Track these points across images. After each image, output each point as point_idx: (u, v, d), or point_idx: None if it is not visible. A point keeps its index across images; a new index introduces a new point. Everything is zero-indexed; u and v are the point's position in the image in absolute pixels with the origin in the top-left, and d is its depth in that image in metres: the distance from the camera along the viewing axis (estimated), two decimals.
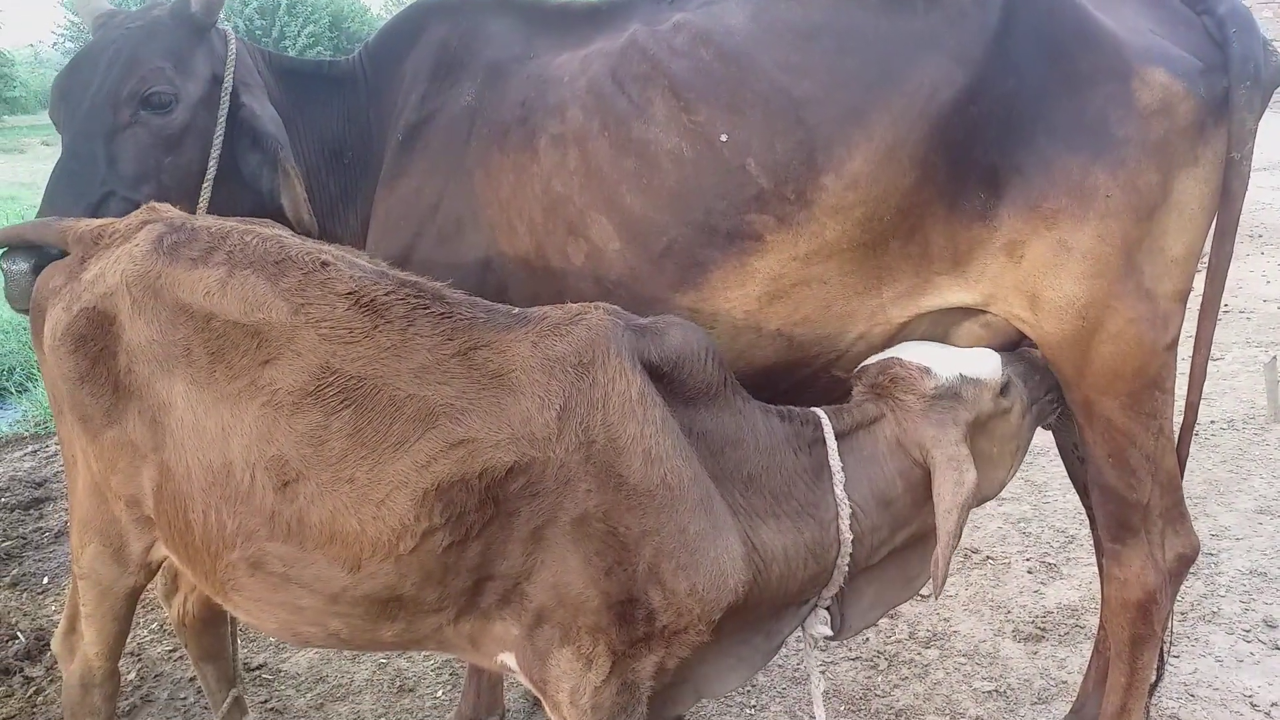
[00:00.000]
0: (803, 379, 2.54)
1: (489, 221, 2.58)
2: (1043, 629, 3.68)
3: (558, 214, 2.49)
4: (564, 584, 1.95)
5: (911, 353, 2.30)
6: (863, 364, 2.37)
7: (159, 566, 2.30)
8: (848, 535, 2.17)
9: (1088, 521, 2.97)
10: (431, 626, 2.05)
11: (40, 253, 2.33)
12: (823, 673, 3.47)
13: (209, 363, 1.99)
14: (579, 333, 2.00)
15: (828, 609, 2.31)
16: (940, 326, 2.47)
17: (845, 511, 2.16)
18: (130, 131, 2.51)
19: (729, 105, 2.33)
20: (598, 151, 2.44)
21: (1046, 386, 2.44)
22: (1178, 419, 2.48)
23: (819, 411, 2.27)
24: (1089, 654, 3.05)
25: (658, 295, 2.44)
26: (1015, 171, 2.24)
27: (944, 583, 2.13)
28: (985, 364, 2.29)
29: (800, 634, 2.36)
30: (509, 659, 2.10)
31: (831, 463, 2.18)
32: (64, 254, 2.27)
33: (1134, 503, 2.44)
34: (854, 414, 2.28)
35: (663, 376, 2.05)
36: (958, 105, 2.22)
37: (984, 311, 2.41)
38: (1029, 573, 4.08)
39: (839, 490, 2.16)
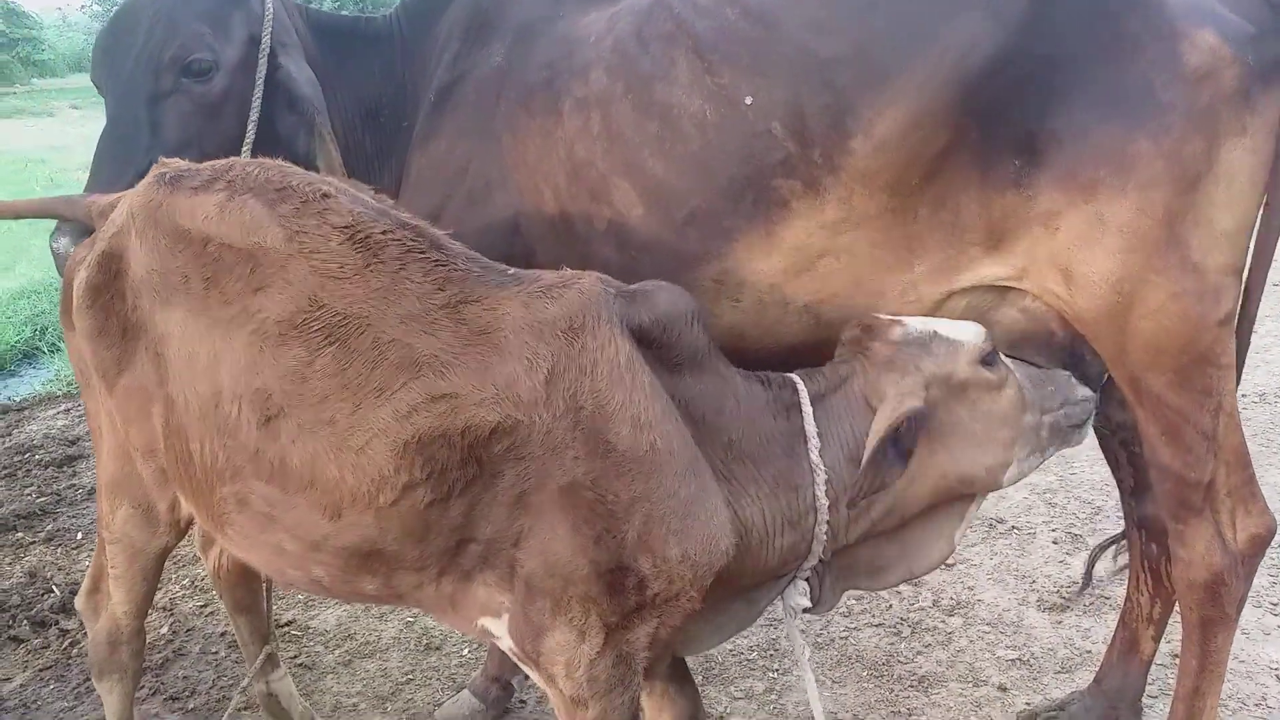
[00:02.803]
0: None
1: (517, 185, 2.57)
2: (1067, 599, 3.68)
3: (581, 179, 2.46)
4: (552, 551, 1.92)
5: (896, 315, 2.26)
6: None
7: (188, 526, 2.31)
8: (824, 501, 2.13)
9: (1115, 493, 2.96)
10: (411, 584, 2.03)
11: (84, 228, 2.33)
12: (845, 639, 3.50)
13: (204, 289, 1.96)
14: (570, 297, 1.97)
15: (807, 580, 2.27)
16: (976, 310, 2.39)
17: (821, 478, 2.13)
18: (172, 99, 2.50)
19: (753, 66, 2.28)
20: (620, 114, 2.40)
21: (1063, 399, 2.30)
22: None
23: (794, 376, 2.24)
24: (1113, 624, 3.05)
25: (682, 264, 2.40)
26: (1053, 139, 2.17)
27: (865, 481, 2.11)
28: (966, 329, 2.22)
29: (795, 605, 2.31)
30: (491, 624, 2.08)
31: (807, 428, 2.14)
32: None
33: (1193, 482, 2.35)
34: (828, 376, 2.24)
35: (651, 342, 2.03)
36: (992, 67, 2.15)
37: (1020, 292, 2.33)
38: (1054, 543, 4.08)
39: (814, 455, 2.13)
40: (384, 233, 1.99)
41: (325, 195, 2.02)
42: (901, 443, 2.12)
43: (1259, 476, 4.44)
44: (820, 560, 2.22)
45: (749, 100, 2.28)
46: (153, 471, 2.16)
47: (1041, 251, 2.25)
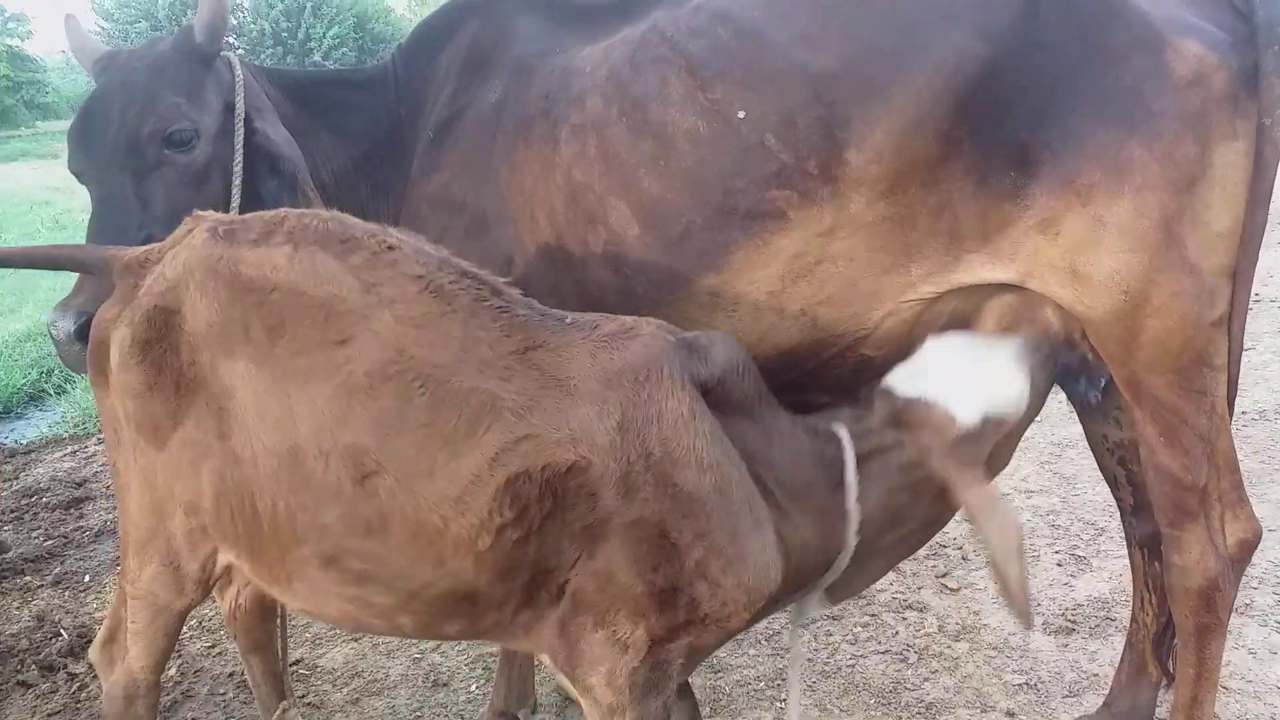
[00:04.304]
0: (828, 359, 2.53)
1: (512, 215, 2.62)
2: (1073, 622, 3.68)
3: (578, 203, 2.52)
4: (609, 574, 2.00)
5: (937, 382, 2.26)
6: (885, 386, 2.33)
7: (214, 584, 2.30)
8: (852, 541, 2.25)
9: (1118, 514, 2.97)
10: (493, 620, 2.09)
11: (85, 315, 2.31)
12: (852, 667, 3.49)
13: (270, 338, 1.98)
14: (635, 349, 2.06)
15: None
16: (971, 302, 2.44)
17: (854, 522, 2.24)
18: (157, 172, 2.52)
19: (745, 81, 2.34)
20: (616, 137, 2.46)
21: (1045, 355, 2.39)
22: None
23: (841, 431, 2.30)
24: (1120, 647, 3.05)
25: (678, 279, 2.45)
26: (1046, 148, 2.23)
27: (1029, 616, 2.17)
28: (1012, 389, 2.26)
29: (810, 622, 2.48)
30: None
31: (848, 479, 2.25)
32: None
33: (1190, 485, 2.39)
34: (873, 439, 2.30)
35: (709, 391, 2.12)
36: (982, 80, 2.22)
37: (1019, 287, 2.38)
38: (1059, 565, 4.08)
39: (851, 503, 2.24)
40: (453, 282, 2.05)
41: (391, 246, 2.06)
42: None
43: (1261, 494, 4.45)
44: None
45: (742, 114, 2.34)
46: (190, 530, 2.15)
47: (1044, 257, 2.30)
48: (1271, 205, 2.33)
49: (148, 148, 2.50)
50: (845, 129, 2.27)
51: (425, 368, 1.94)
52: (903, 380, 2.33)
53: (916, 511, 2.32)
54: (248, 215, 2.17)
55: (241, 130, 2.62)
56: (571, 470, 1.94)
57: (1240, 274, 2.33)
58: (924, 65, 2.23)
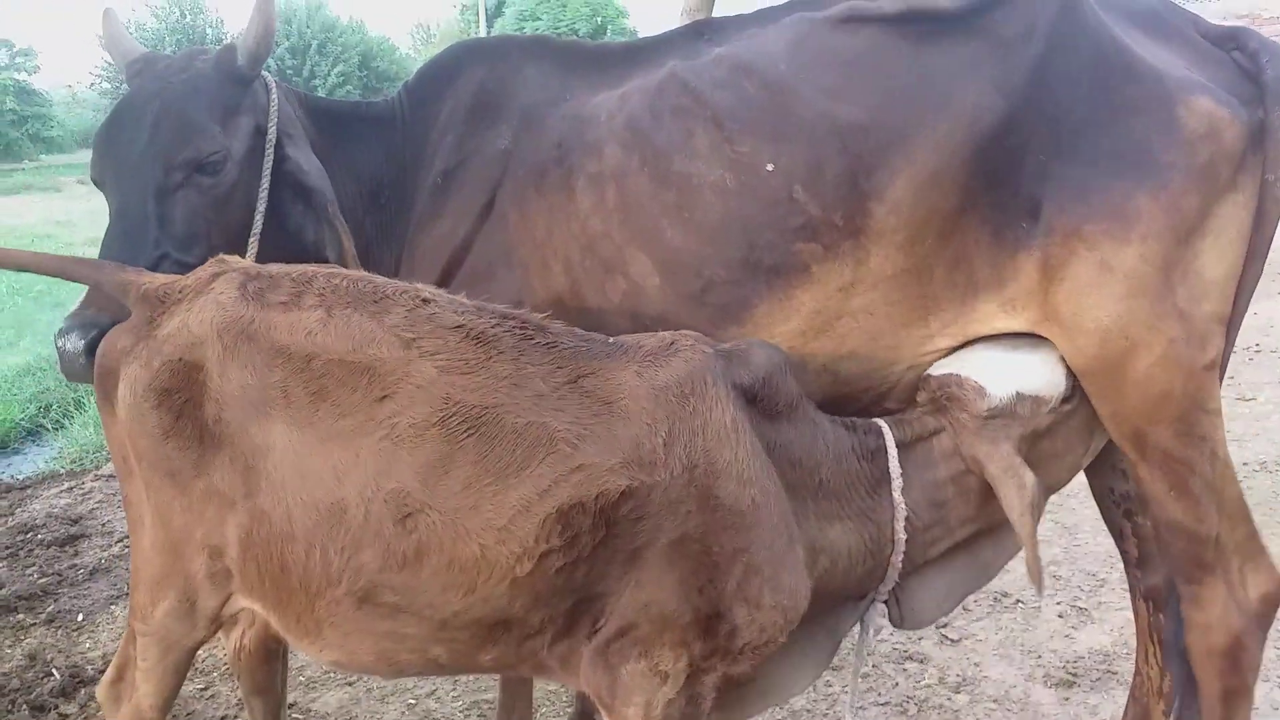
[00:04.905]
0: (851, 414, 2.50)
1: (521, 261, 2.61)
2: (1074, 674, 3.65)
3: (595, 252, 2.52)
4: (657, 602, 2.03)
5: (972, 366, 2.37)
6: (926, 374, 2.45)
7: (226, 622, 2.29)
8: (901, 536, 2.31)
9: (1119, 565, 2.95)
10: (529, 650, 2.09)
11: (95, 329, 2.28)
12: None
13: (311, 403, 2.00)
14: (678, 363, 2.11)
15: (885, 603, 2.44)
16: None
17: (901, 514, 2.31)
18: (182, 194, 2.48)
19: (774, 134, 2.37)
20: (637, 187, 2.47)
21: None
22: None
23: (881, 423, 2.39)
24: (1122, 700, 3.02)
25: (698, 331, 2.43)
26: (1057, 197, 2.29)
27: (1040, 578, 2.27)
28: (1047, 376, 2.35)
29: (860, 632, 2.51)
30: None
31: (891, 470, 2.32)
32: (114, 320, 2.23)
33: (1204, 536, 2.37)
34: (914, 426, 2.40)
35: (751, 397, 2.18)
36: (998, 132, 2.27)
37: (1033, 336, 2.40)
38: (1060, 617, 4.05)
39: (897, 495, 2.31)
40: (494, 325, 2.09)
41: (426, 300, 2.11)
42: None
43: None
44: (896, 583, 2.39)
45: (770, 167, 2.36)
46: (213, 571, 2.14)
47: (1050, 303, 2.33)
48: (1271, 255, 2.37)
49: (177, 170, 2.47)
50: (870, 180, 2.31)
51: (474, 411, 1.98)
52: (939, 367, 2.42)
53: (965, 509, 2.36)
54: (274, 269, 2.16)
55: (271, 156, 2.59)
56: (624, 496, 1.98)
57: (1230, 323, 2.37)
58: (944, 117, 2.28)
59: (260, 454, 2.02)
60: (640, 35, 2.83)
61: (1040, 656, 3.78)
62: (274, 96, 2.67)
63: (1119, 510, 2.81)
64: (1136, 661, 2.89)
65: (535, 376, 2.03)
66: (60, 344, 2.34)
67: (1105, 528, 2.92)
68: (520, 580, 1.97)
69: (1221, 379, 2.41)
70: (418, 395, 1.99)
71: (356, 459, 1.97)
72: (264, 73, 2.70)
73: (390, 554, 1.98)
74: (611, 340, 2.18)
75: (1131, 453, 2.41)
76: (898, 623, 2.47)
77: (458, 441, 1.96)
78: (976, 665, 3.75)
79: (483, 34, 40.44)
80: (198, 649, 2.33)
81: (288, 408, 2.01)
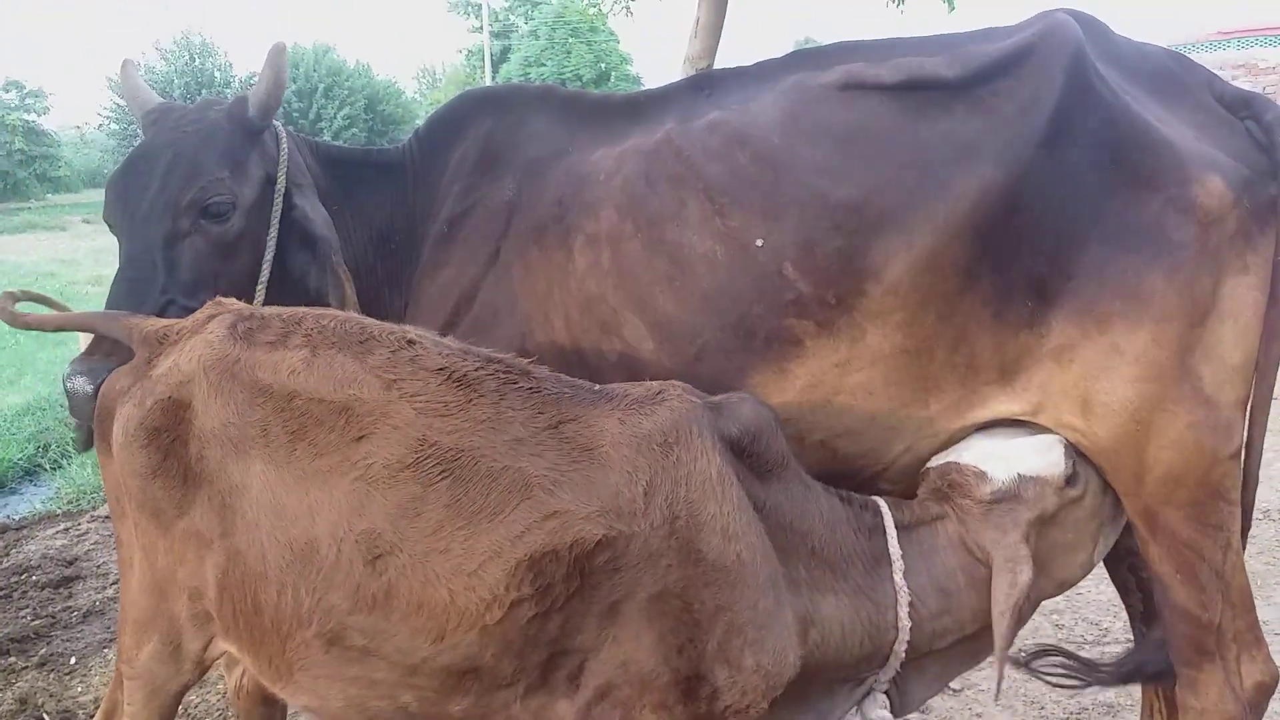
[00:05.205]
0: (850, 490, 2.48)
1: (525, 314, 2.61)
2: None
3: (592, 312, 2.51)
4: (635, 660, 1.97)
5: (971, 454, 2.30)
6: (926, 467, 2.38)
7: (211, 665, 2.27)
8: (906, 623, 2.21)
9: (1122, 613, 2.92)
10: (501, 701, 2.04)
11: (103, 371, 2.30)
12: None
13: (289, 441, 2.00)
14: (663, 412, 2.06)
15: (885, 693, 2.32)
16: None
17: (904, 599, 2.20)
18: (189, 240, 2.52)
19: (765, 210, 2.33)
20: (631, 252, 2.45)
21: None
22: None
23: (879, 500, 2.32)
24: None
25: None
26: (1065, 278, 2.22)
27: (1000, 681, 2.16)
28: (1046, 458, 2.27)
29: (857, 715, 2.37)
30: None
31: (891, 550, 2.23)
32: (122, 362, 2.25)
33: (1207, 623, 2.31)
34: (915, 510, 2.32)
35: (739, 452, 2.12)
36: (1001, 213, 2.20)
37: (1032, 423, 2.35)
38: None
39: (898, 578, 2.21)
40: (477, 369, 2.07)
41: (411, 342, 2.10)
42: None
43: (1267, 596, 4.40)
44: (896, 671, 2.28)
45: (760, 243, 2.32)
46: (194, 613, 2.14)
47: (1056, 385, 2.27)
48: None
49: (185, 215, 2.51)
50: (864, 260, 2.25)
51: (449, 454, 1.95)
52: (935, 459, 2.35)
53: (977, 601, 2.25)
54: (267, 312, 2.18)
55: (279, 205, 2.63)
56: (600, 545, 1.93)
57: (1257, 407, 2.30)
58: (944, 198, 2.21)
59: (237, 492, 2.02)
60: (643, 81, 2.81)
61: (1044, 707, 3.73)
62: (284, 146, 2.71)
63: (1124, 565, 2.78)
64: (1141, 715, 2.86)
65: (515, 421, 2.01)
66: (70, 386, 2.35)
67: (1106, 576, 2.90)
68: (490, 628, 1.92)
69: (1258, 466, 2.36)
70: (394, 436, 1.97)
71: (331, 498, 1.96)
72: (275, 123, 2.75)
73: (360, 595, 1.95)
74: (598, 388, 2.15)
75: (1142, 530, 2.35)
76: (898, 712, 2.36)
77: (431, 484, 1.94)
78: (979, 716, 3.70)
79: (488, 78, 40.99)
80: (184, 692, 2.31)
81: (266, 446, 2.00)
